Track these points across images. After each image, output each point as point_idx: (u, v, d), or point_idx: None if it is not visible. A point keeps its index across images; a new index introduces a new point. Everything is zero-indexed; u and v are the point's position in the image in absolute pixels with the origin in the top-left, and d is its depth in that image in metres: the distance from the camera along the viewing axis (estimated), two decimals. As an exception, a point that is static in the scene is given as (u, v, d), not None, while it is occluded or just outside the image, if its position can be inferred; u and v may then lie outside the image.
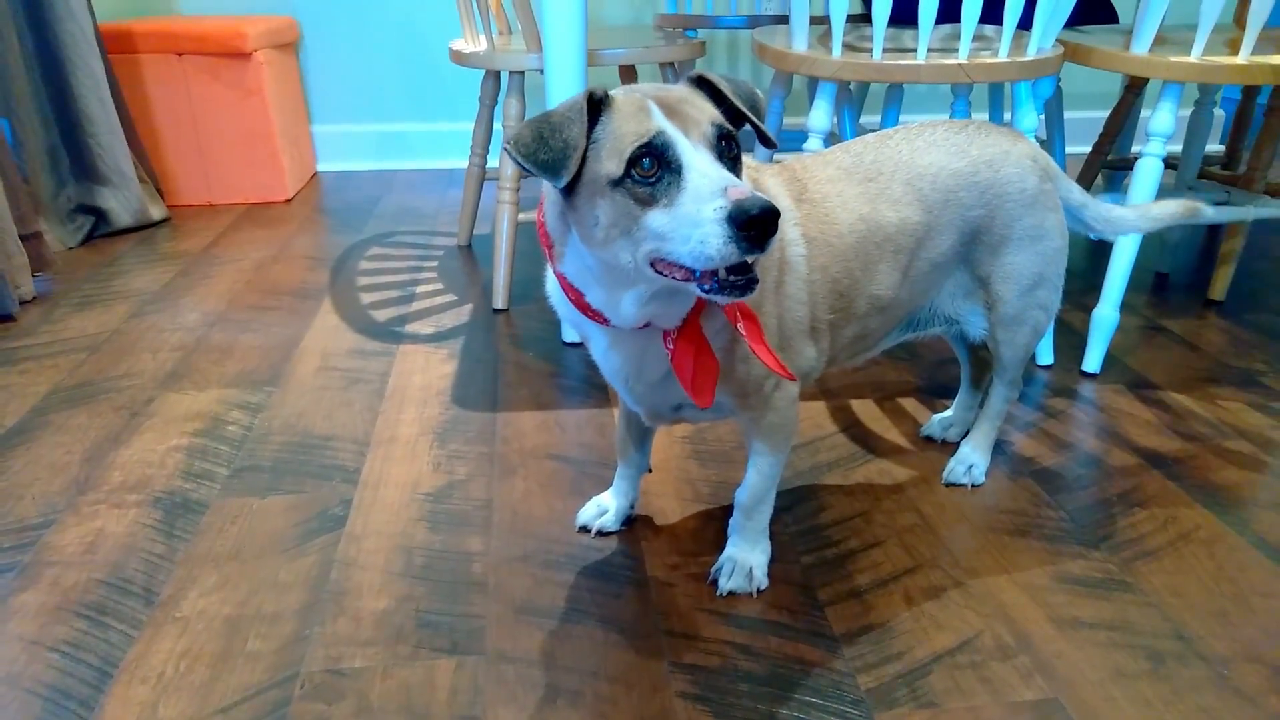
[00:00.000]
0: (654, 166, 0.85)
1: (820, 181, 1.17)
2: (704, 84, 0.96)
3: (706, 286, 0.86)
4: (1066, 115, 3.38)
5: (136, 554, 1.29)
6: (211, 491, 1.44)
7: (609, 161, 0.87)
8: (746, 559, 1.22)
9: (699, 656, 1.10)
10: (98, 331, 2.03)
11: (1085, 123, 3.51)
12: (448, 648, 1.12)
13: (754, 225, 0.79)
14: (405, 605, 1.19)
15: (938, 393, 1.77)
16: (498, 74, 2.35)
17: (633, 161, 0.85)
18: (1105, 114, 2.59)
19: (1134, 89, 2.49)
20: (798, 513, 1.39)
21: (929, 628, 1.15)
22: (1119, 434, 1.62)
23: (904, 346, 1.97)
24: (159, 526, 1.35)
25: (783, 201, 1.11)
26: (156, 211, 2.82)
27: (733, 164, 0.90)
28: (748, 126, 1.01)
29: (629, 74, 2.50)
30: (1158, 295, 2.27)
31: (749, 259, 0.83)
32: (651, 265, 0.88)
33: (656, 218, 0.85)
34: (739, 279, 0.85)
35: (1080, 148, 3.50)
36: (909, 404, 1.73)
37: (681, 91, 0.94)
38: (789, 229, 1.10)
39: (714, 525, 1.36)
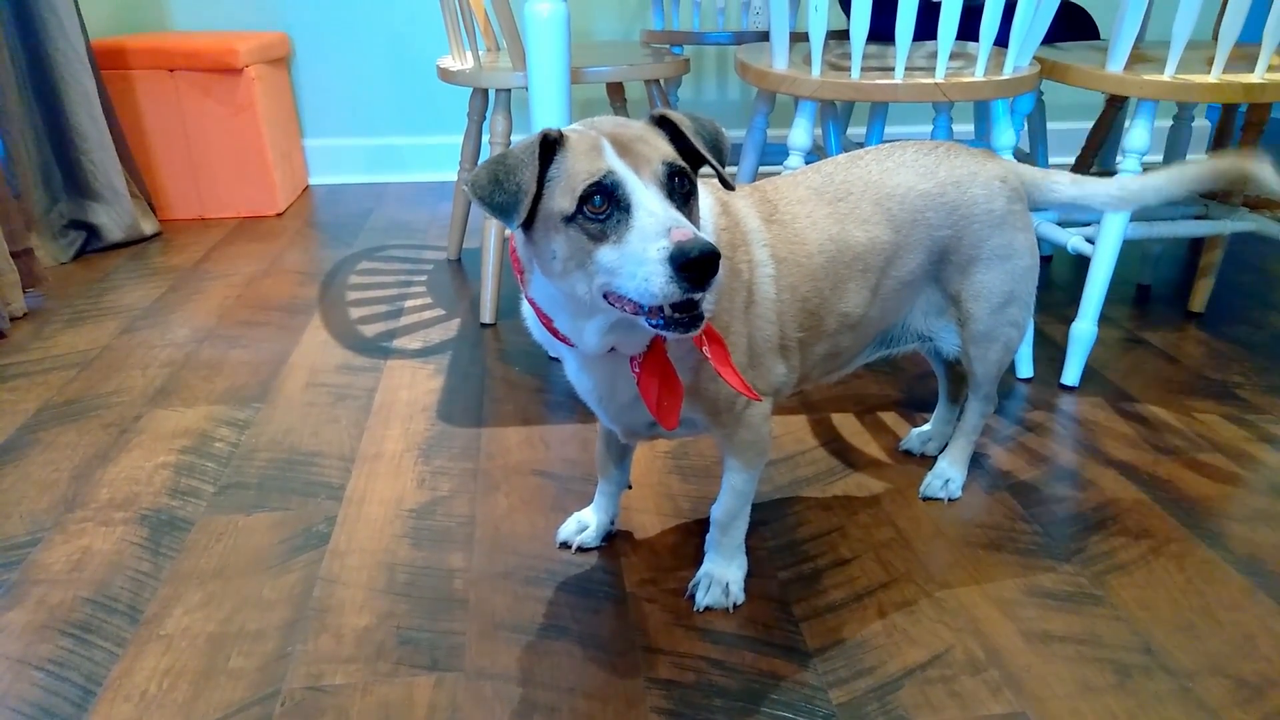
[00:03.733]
0: (605, 204, 0.88)
1: (790, 203, 1.20)
2: (665, 123, 0.98)
3: (654, 321, 0.88)
4: (1050, 126, 3.41)
5: (123, 572, 1.31)
6: (198, 509, 1.46)
7: (562, 199, 0.89)
8: (723, 574, 1.24)
9: (674, 672, 1.12)
10: (88, 348, 2.05)
11: (1070, 134, 3.55)
12: (427, 665, 1.14)
13: (694, 267, 0.82)
14: (386, 622, 1.21)
15: (918, 406, 1.79)
16: (485, 91, 2.37)
17: (584, 199, 0.88)
18: (1089, 125, 2.62)
19: (1116, 103, 2.52)
20: (775, 528, 1.41)
21: (901, 642, 1.17)
22: (1096, 447, 1.64)
23: (885, 361, 1.99)
24: (145, 544, 1.37)
25: (751, 223, 1.14)
26: (148, 226, 2.84)
27: (685, 200, 0.92)
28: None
29: (616, 91, 2.52)
30: (1139, 307, 2.29)
31: (693, 297, 0.85)
32: (605, 297, 0.91)
33: (607, 253, 0.87)
34: (684, 316, 0.87)
35: (1064, 158, 3.54)
36: (889, 418, 1.75)
37: (637, 129, 0.95)
38: (757, 251, 1.13)
39: (694, 540, 1.37)
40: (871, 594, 1.26)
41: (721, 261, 0.96)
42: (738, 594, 1.24)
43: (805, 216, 1.19)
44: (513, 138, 2.25)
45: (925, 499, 1.48)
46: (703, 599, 1.23)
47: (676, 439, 1.60)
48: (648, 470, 1.56)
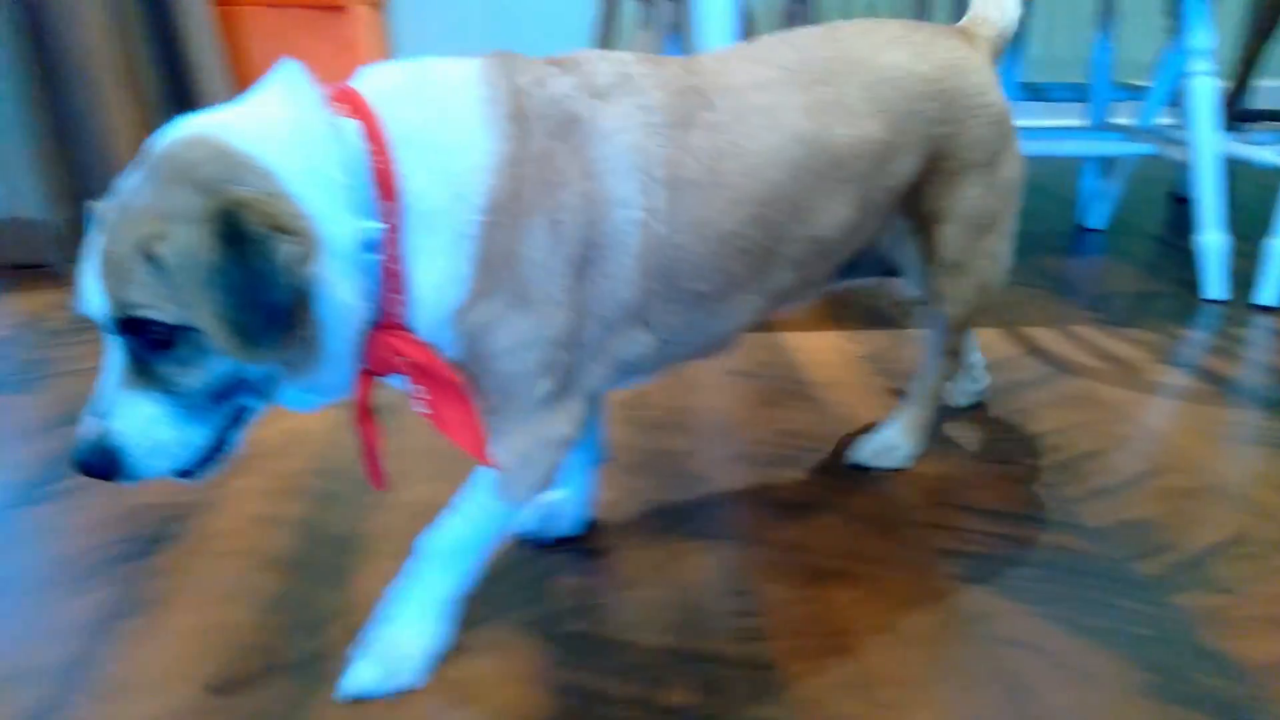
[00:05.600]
0: None
1: (740, 91, 0.87)
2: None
3: None
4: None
5: (340, 448, 1.25)
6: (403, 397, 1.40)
7: None
8: (397, 642, 0.84)
9: (957, 543, 1.05)
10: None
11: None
12: (692, 532, 1.07)
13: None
14: (632, 497, 1.14)
15: (1118, 321, 1.71)
16: (608, 13, 2.29)
17: None
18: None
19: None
20: (1006, 423, 1.33)
21: (1190, 524, 1.09)
22: (1316, 359, 1.56)
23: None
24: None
25: (620, 141, 0.80)
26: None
27: (158, 345, 0.68)
28: None
29: None
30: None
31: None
32: None
33: None
34: None
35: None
36: (1085, 331, 1.67)
37: (129, 244, 0.66)
38: (619, 183, 0.79)
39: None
40: (1138, 481, 1.19)
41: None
42: (411, 676, 0.83)
43: (763, 110, 0.87)
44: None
45: (854, 466, 1.20)
46: (356, 679, 0.82)
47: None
48: (849, 367, 1.49)
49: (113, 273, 0.66)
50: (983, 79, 1.01)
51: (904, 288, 1.14)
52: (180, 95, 2.61)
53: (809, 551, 1.04)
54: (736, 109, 0.86)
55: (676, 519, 1.10)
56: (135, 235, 0.65)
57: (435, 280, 0.75)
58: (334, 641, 0.90)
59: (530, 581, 0.99)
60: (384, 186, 0.72)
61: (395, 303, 0.74)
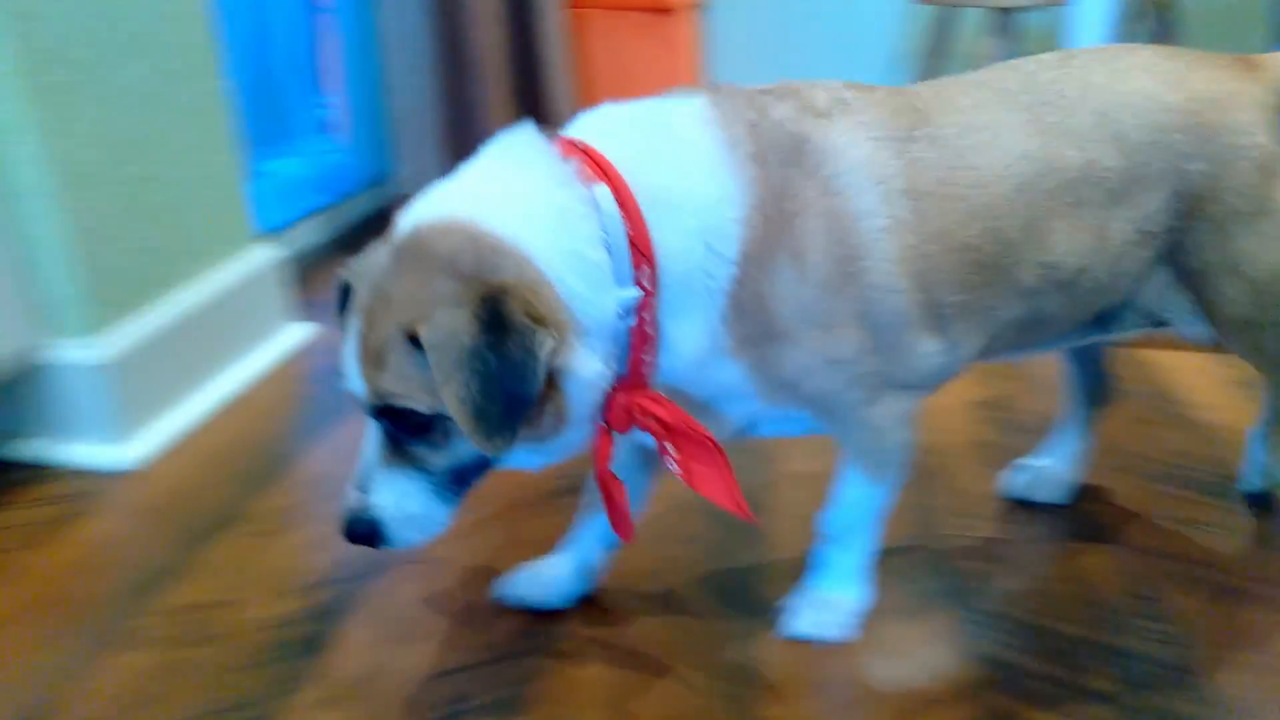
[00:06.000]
0: None
1: (959, 110, 0.85)
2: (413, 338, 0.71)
3: None
4: None
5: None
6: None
7: None
8: (824, 600, 0.96)
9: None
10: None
11: None
12: (1087, 534, 1.11)
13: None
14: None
15: None
16: (942, 21, 2.29)
17: None
18: None
19: None
20: None
21: None
22: None
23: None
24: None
25: (851, 156, 0.80)
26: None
27: (415, 431, 0.74)
28: None
29: None
30: None
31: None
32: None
33: None
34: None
35: None
36: None
37: (388, 331, 0.71)
38: (862, 197, 0.79)
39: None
40: None
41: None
42: (841, 630, 0.94)
43: (983, 128, 0.84)
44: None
45: (1251, 494, 1.16)
46: (795, 623, 0.95)
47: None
48: (1223, 391, 1.44)
49: (371, 360, 0.72)
50: (1249, 116, 0.89)
51: (1189, 335, 0.98)
52: (530, 90, 2.90)
53: (1213, 568, 1.03)
54: (957, 124, 0.85)
55: (1068, 519, 1.13)
56: (393, 323, 0.70)
57: (688, 338, 0.78)
58: (759, 585, 1.02)
59: (934, 559, 1.06)
60: (640, 252, 0.74)
61: (643, 363, 0.78)
